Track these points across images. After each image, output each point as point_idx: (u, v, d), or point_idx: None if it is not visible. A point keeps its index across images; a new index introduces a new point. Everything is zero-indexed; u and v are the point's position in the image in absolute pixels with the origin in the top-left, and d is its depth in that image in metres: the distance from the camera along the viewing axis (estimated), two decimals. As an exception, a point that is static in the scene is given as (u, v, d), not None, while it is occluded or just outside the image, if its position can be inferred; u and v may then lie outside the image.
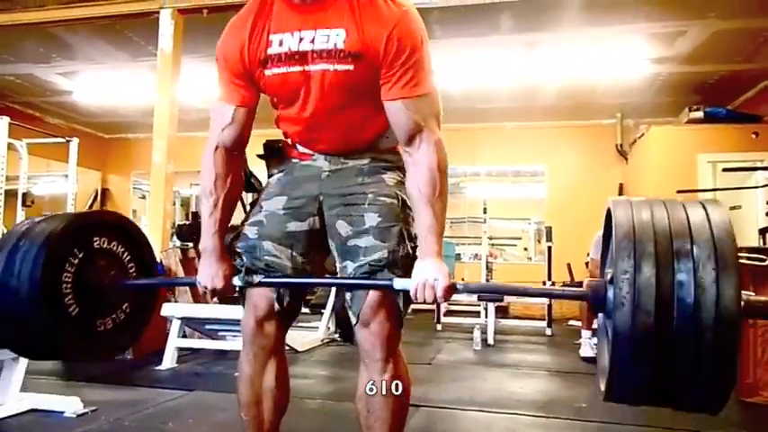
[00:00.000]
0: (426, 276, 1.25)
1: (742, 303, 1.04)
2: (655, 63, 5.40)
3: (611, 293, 1.17)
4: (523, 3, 4.02)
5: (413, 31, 1.27)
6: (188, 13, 4.46)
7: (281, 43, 1.30)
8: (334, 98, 1.32)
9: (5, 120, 4.66)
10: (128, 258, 1.65)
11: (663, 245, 1.08)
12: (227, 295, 1.46)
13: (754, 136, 5.72)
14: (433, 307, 5.89)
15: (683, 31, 4.76)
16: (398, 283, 1.28)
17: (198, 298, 4.36)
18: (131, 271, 1.65)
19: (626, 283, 1.05)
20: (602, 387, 1.21)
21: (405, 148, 1.33)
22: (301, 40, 1.28)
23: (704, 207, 1.14)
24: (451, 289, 1.26)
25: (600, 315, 1.39)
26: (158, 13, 4.42)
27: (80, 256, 1.50)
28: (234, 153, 1.44)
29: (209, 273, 1.43)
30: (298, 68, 1.30)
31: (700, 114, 5.87)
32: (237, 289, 1.43)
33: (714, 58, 5.31)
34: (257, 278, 1.38)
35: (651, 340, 1.04)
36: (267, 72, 1.32)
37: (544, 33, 4.89)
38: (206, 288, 1.44)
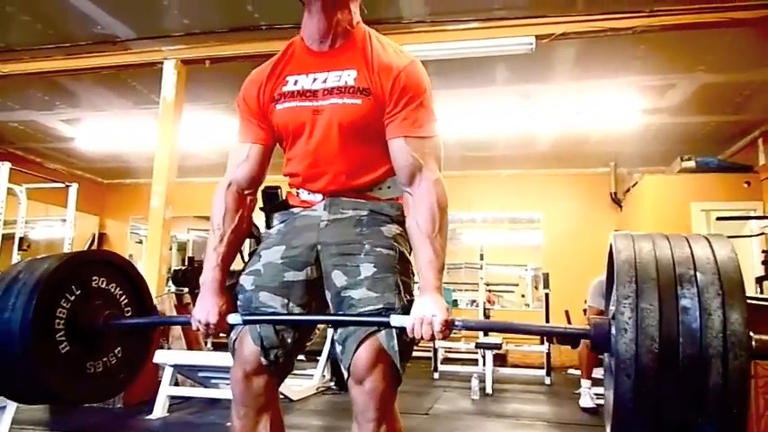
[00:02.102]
0: (424, 312, 1.23)
1: (753, 343, 0.99)
2: (646, 114, 5.52)
3: (614, 330, 1.11)
4: (518, 56, 4.14)
5: (419, 76, 1.38)
6: (191, 64, 4.58)
7: (295, 83, 1.39)
8: (341, 132, 1.35)
9: (6, 165, 4.72)
10: (125, 302, 1.63)
11: (665, 271, 1.05)
12: (220, 332, 1.41)
13: (746, 185, 5.81)
14: (431, 355, 5.81)
15: (673, 84, 4.91)
16: (396, 320, 1.26)
17: (192, 345, 4.30)
18: (128, 315, 1.63)
19: (628, 308, 1.02)
20: (608, 428, 1.15)
21: (405, 187, 1.36)
22: (315, 80, 1.38)
23: (707, 240, 1.12)
24: (449, 325, 1.24)
25: (605, 357, 1.34)
26: (162, 63, 4.54)
27: (77, 293, 1.49)
28: (246, 192, 1.47)
29: (206, 307, 1.39)
30: (307, 103, 1.37)
31: (692, 164, 5.97)
32: (228, 327, 1.39)
33: (703, 110, 5.45)
34: (250, 318, 1.35)
35: (656, 367, 0.99)
36: (278, 107, 1.40)
37: (539, 85, 5.03)
38: (200, 322, 1.39)
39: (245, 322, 1.36)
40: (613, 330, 1.12)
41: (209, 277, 1.42)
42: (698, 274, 1.03)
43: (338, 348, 1.33)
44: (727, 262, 1.05)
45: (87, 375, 1.50)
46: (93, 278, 1.55)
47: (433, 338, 1.24)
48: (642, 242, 1.13)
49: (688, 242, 1.11)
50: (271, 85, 1.42)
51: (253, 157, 1.45)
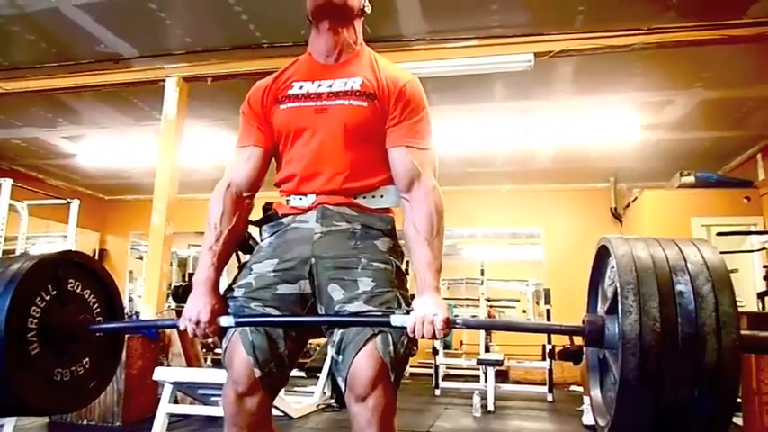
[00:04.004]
0: (425, 312, 1.25)
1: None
2: (645, 130, 5.55)
3: (609, 324, 1.21)
4: (517, 73, 4.18)
5: (421, 92, 1.46)
6: (192, 81, 4.62)
7: (300, 87, 1.44)
8: (345, 133, 1.38)
9: (8, 182, 4.74)
10: (98, 310, 1.58)
11: (660, 262, 1.16)
12: (210, 333, 1.36)
13: (745, 200, 5.82)
14: (432, 371, 5.77)
15: (671, 100, 4.94)
16: (396, 320, 1.27)
17: (191, 362, 4.28)
18: (98, 320, 1.58)
19: (630, 292, 1.11)
20: (602, 422, 1.22)
21: (404, 193, 1.40)
22: (320, 85, 1.43)
23: (691, 241, 1.23)
24: (450, 323, 1.26)
25: (592, 354, 1.41)
26: (164, 81, 4.58)
27: (53, 293, 1.44)
28: (244, 194, 1.47)
29: (197, 305, 1.35)
30: (311, 104, 1.41)
31: (691, 179, 5.99)
32: (220, 331, 1.35)
33: (702, 126, 5.48)
34: (243, 319, 1.32)
35: (658, 345, 1.07)
36: (282, 107, 1.43)
37: (537, 101, 5.06)
38: (189, 321, 1.34)
39: (238, 324, 1.33)
40: (608, 323, 1.22)
41: (203, 276, 1.38)
42: (689, 264, 1.15)
43: (338, 358, 1.31)
44: (711, 256, 1.16)
45: (54, 383, 1.42)
46: (70, 281, 1.50)
47: (434, 337, 1.25)
48: (635, 242, 1.24)
49: (675, 243, 1.23)
50: (275, 88, 1.46)
51: (252, 159, 1.46)
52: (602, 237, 1.34)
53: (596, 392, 1.37)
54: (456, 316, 1.31)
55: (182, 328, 1.37)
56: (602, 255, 1.37)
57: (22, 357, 1.34)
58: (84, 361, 1.52)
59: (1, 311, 1.30)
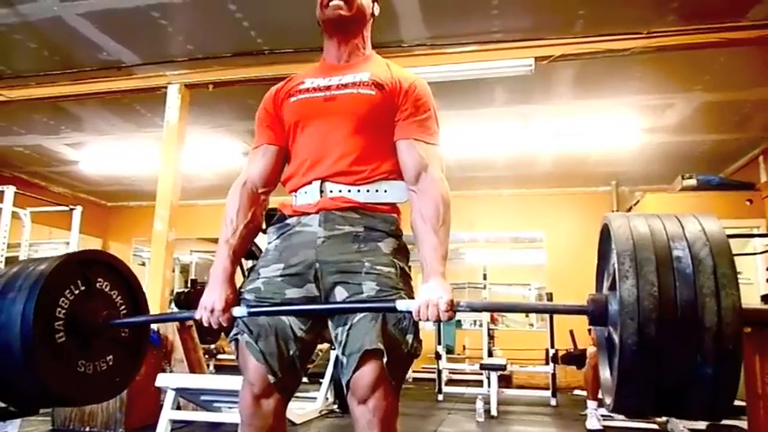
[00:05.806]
0: (430, 296, 1.27)
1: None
2: (646, 133, 5.55)
3: (612, 300, 1.20)
4: (517, 77, 4.19)
5: (429, 93, 1.53)
6: (194, 88, 4.64)
7: (312, 83, 1.50)
8: (353, 120, 1.42)
9: (11, 189, 4.75)
10: (124, 311, 1.65)
11: (658, 231, 1.17)
12: (224, 322, 1.40)
13: (748, 203, 5.80)
14: (435, 376, 5.76)
15: (672, 104, 4.94)
16: (401, 305, 1.29)
17: (194, 368, 4.28)
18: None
19: (627, 258, 1.11)
20: (608, 401, 1.21)
21: (411, 185, 1.43)
22: (330, 80, 1.48)
23: (692, 214, 1.23)
24: (453, 305, 1.28)
25: (600, 335, 1.41)
26: (166, 87, 4.60)
27: (81, 288, 1.53)
28: (260, 190, 1.53)
29: (212, 295, 1.41)
30: (320, 94, 1.46)
31: (693, 182, 5.97)
32: (232, 319, 1.40)
33: (703, 129, 5.48)
34: (256, 309, 1.36)
35: (657, 309, 1.06)
36: (292, 99, 1.49)
37: (538, 105, 5.07)
38: (205, 309, 1.40)
39: (251, 314, 1.37)
40: (611, 299, 1.21)
41: (219, 267, 1.44)
42: (687, 232, 1.15)
43: (343, 360, 1.34)
44: (709, 224, 1.16)
45: (77, 373, 1.50)
46: (98, 279, 1.59)
47: (438, 320, 1.26)
48: (634, 216, 1.25)
49: (675, 216, 1.24)
50: (288, 86, 1.54)
51: (267, 156, 1.52)
52: (603, 217, 1.34)
53: (605, 373, 1.36)
54: (459, 300, 1.30)
55: (197, 317, 1.42)
56: (605, 235, 1.37)
57: (48, 343, 1.42)
58: (107, 358, 1.60)
59: (32, 298, 1.39)
